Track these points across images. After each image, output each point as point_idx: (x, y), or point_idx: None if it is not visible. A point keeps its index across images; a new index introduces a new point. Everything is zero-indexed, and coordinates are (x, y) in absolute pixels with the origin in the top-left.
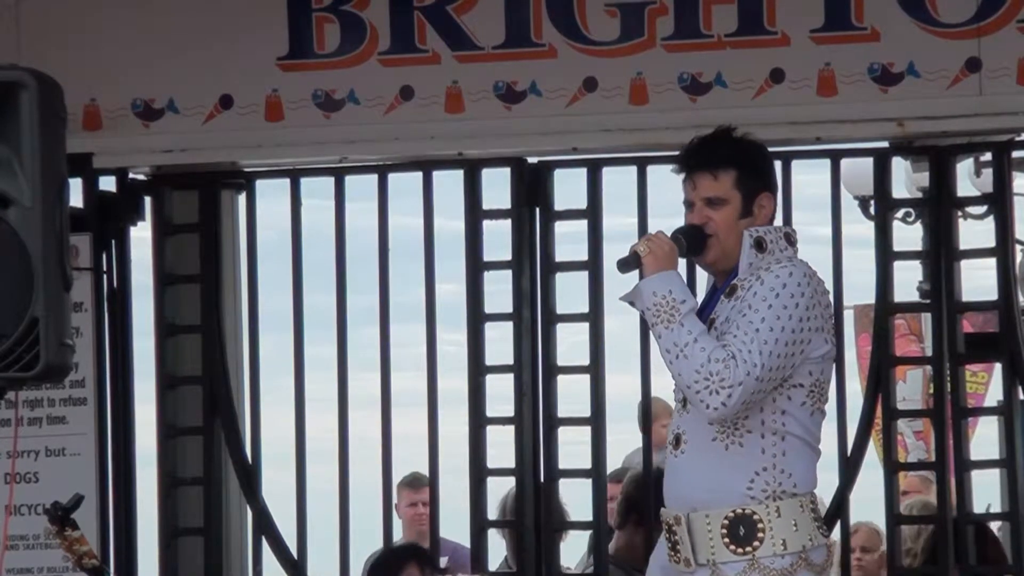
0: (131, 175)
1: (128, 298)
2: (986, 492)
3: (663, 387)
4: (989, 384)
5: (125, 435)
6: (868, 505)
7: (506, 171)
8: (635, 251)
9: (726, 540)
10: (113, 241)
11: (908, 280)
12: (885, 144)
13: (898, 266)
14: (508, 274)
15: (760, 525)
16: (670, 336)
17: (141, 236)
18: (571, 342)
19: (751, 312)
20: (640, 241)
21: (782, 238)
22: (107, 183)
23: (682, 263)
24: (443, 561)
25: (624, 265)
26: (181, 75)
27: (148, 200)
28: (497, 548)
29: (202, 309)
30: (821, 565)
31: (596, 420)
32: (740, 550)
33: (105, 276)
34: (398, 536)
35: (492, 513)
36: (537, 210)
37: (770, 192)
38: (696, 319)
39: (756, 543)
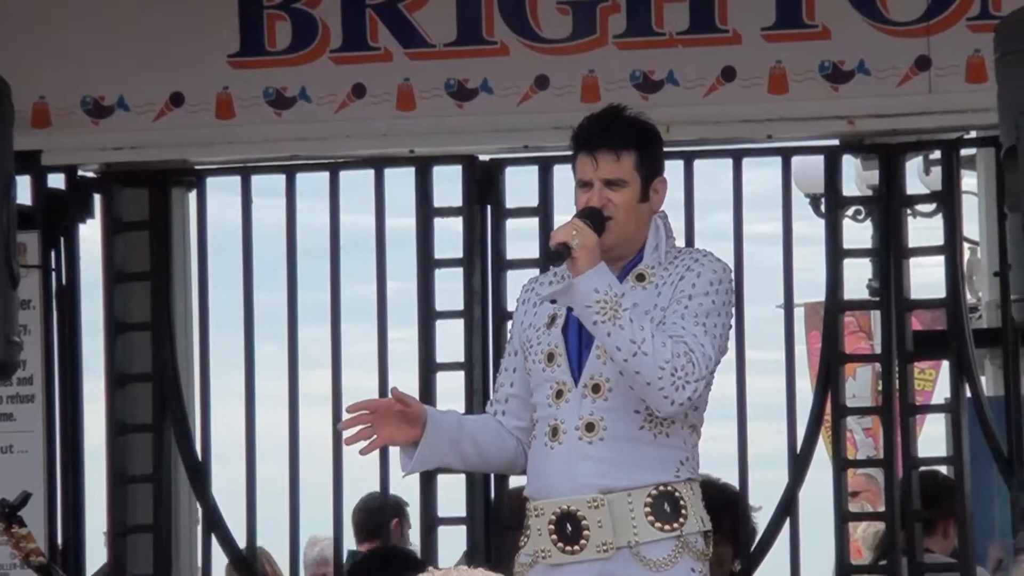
0: (80, 172)
1: (77, 295)
2: None
3: None
4: (936, 381)
5: (73, 432)
6: (817, 503)
7: (457, 169)
8: (565, 243)
9: (650, 519)
10: (62, 239)
11: (858, 278)
12: (836, 142)
13: (848, 264)
14: (459, 272)
15: (682, 502)
16: (623, 334)
17: (90, 234)
18: None
19: (693, 303)
20: (562, 229)
21: (670, 226)
22: (56, 180)
23: None
24: None
25: (558, 258)
26: (131, 73)
27: (98, 197)
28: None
29: (152, 306)
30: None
31: None
32: (667, 527)
33: (54, 273)
34: (348, 537)
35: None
36: (488, 208)
37: (663, 177)
38: (641, 312)
39: (681, 519)
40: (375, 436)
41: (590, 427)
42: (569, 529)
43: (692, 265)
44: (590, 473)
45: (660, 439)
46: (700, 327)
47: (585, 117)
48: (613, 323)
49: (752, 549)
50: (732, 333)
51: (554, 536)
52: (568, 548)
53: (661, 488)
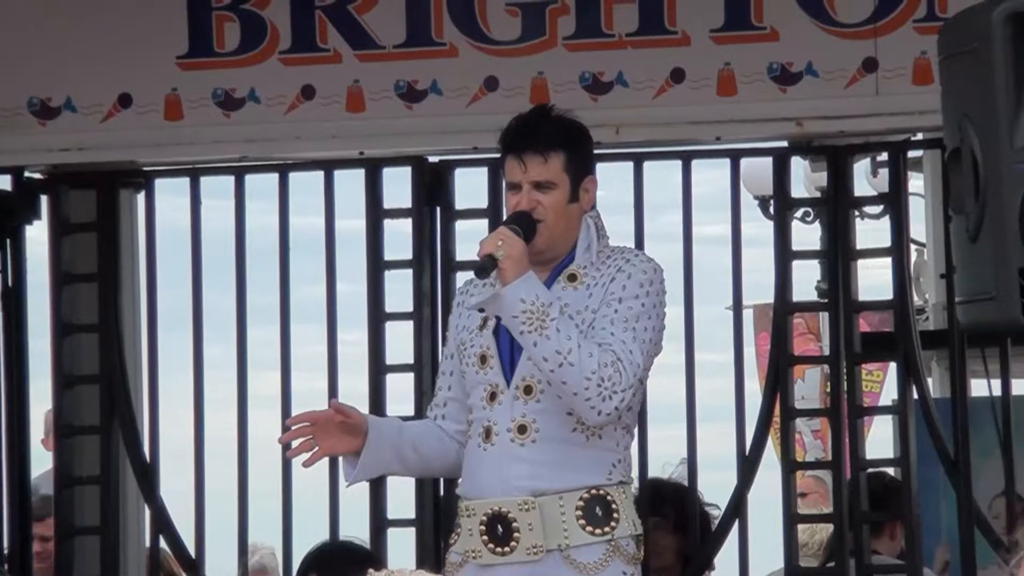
0: (27, 174)
1: (23, 297)
2: None
3: None
4: (884, 383)
5: (20, 434)
6: (766, 505)
7: (407, 170)
8: (491, 255)
9: (581, 522)
10: (8, 240)
11: (807, 279)
12: (784, 144)
13: (797, 265)
14: (409, 273)
15: (614, 506)
16: (549, 344)
17: (37, 235)
18: None
19: (623, 307)
20: (488, 240)
21: (603, 225)
22: (2, 182)
23: None
24: None
25: (483, 272)
26: (79, 73)
27: (45, 199)
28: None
29: (100, 308)
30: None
31: None
32: (598, 531)
33: (0, 275)
34: (297, 539)
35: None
36: (438, 209)
37: (593, 176)
38: (569, 321)
39: (613, 523)
40: (317, 448)
41: (522, 429)
42: (500, 530)
43: (623, 266)
44: (522, 475)
45: (593, 440)
46: (629, 332)
47: (512, 118)
48: (539, 333)
49: (702, 550)
50: (681, 335)
51: (484, 537)
52: (498, 549)
53: (593, 492)
